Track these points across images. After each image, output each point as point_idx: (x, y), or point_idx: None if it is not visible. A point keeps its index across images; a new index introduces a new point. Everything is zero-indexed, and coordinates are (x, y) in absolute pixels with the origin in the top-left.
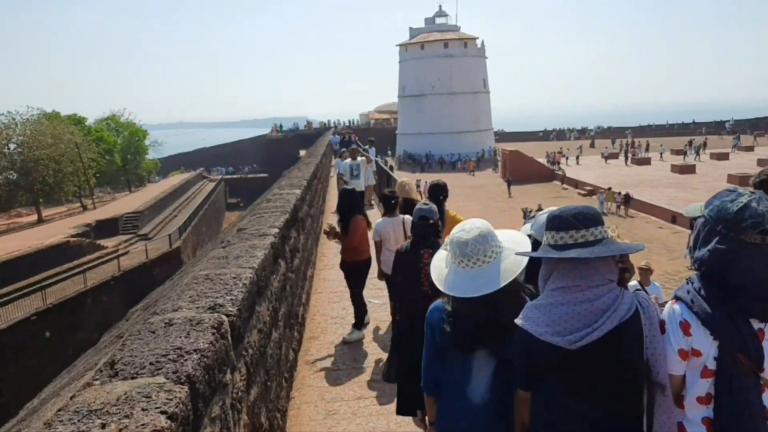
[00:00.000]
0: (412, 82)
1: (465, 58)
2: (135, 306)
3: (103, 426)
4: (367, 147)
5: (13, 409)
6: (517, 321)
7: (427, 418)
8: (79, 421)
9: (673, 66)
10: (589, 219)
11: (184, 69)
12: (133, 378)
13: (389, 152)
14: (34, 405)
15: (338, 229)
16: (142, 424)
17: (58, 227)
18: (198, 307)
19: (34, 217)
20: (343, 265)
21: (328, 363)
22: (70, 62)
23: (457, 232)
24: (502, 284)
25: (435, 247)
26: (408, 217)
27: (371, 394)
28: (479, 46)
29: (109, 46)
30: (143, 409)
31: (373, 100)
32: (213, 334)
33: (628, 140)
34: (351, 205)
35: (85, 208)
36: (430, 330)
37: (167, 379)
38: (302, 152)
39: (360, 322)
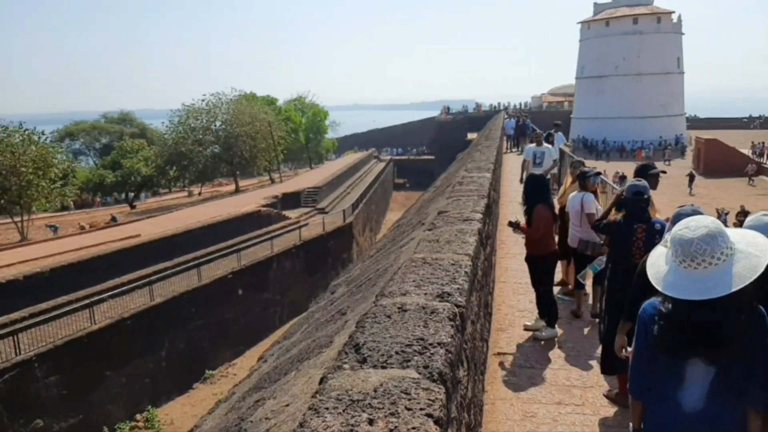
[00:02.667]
0: (592, 62)
1: (657, 35)
2: (336, 279)
3: (371, 422)
4: (551, 132)
5: (211, 354)
6: None
7: (630, 425)
8: (344, 410)
9: None
10: None
11: (360, 52)
12: (383, 367)
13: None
14: (263, 370)
15: (523, 221)
16: (413, 428)
17: (251, 197)
18: (426, 294)
19: (232, 187)
20: (528, 259)
21: (520, 358)
22: (264, 46)
23: (681, 229)
24: (733, 289)
25: (648, 222)
26: (588, 195)
27: (572, 400)
28: (675, 20)
29: (297, 30)
30: (407, 408)
31: (545, 83)
32: (451, 326)
33: None
34: (534, 192)
35: (273, 181)
36: (643, 328)
37: (419, 374)
38: (470, 135)
39: (553, 320)
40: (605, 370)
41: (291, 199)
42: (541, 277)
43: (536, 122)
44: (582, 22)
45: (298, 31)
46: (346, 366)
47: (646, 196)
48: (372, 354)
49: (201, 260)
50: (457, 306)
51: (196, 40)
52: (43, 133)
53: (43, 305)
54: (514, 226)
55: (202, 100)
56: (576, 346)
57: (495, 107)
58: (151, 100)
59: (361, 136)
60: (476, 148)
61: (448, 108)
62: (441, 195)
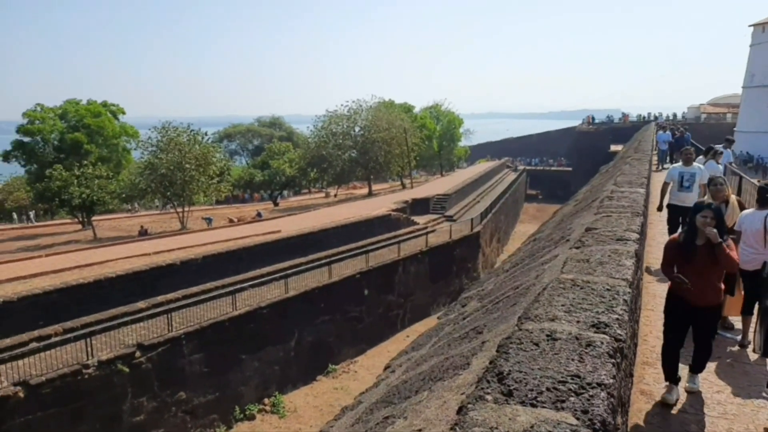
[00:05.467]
0: (765, 69)
1: None
2: (466, 291)
3: None
4: (719, 148)
5: (335, 349)
6: None
7: None
8: None
9: None
10: None
11: (498, 60)
12: (532, 405)
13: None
14: (391, 381)
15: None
16: None
17: (383, 201)
18: (578, 322)
19: (366, 191)
20: (682, 308)
21: (670, 399)
22: (406, 55)
23: None
24: None
25: None
26: None
27: None
28: None
29: (437, 39)
30: None
31: (703, 93)
32: (612, 364)
33: None
34: (722, 224)
35: (404, 186)
36: None
37: (577, 420)
38: (614, 147)
39: (699, 367)
40: None
41: (420, 205)
42: (713, 327)
43: (693, 136)
44: (755, 25)
45: (438, 40)
46: (488, 397)
47: None
48: (518, 387)
49: (332, 258)
50: (617, 340)
51: (344, 49)
52: (206, 134)
53: (194, 288)
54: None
55: (344, 106)
56: (740, 391)
57: (644, 118)
58: (299, 106)
59: (495, 145)
60: (624, 161)
61: (593, 117)
62: (586, 210)
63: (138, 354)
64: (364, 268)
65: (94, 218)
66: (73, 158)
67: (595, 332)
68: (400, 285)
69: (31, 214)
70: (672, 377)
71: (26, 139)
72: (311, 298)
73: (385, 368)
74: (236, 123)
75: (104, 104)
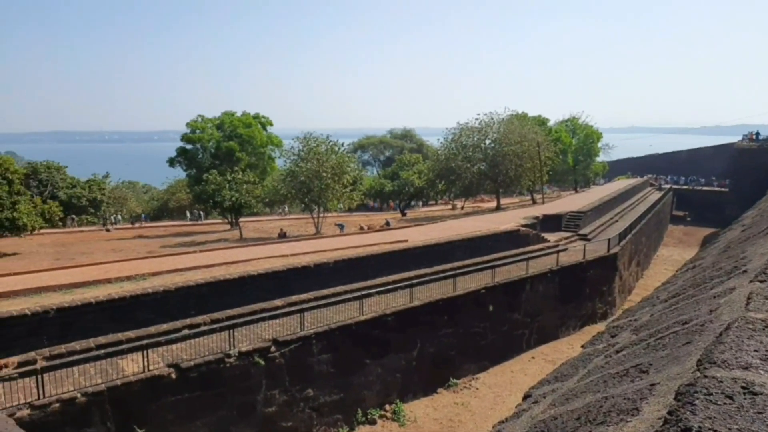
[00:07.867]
0: None
1: None
2: (615, 321)
3: None
4: None
5: (456, 363)
6: None
7: None
8: None
9: None
10: None
11: (642, 72)
12: None
13: None
14: (536, 415)
15: None
16: None
17: (511, 216)
18: None
19: (493, 204)
20: None
21: None
22: (541, 67)
23: None
24: None
25: None
26: None
27: None
28: None
29: (575, 51)
30: None
31: None
32: None
33: None
34: None
35: (534, 201)
36: None
37: None
38: None
39: None
40: None
41: (551, 222)
42: None
43: None
44: None
45: (577, 52)
46: None
47: None
48: None
49: (457, 271)
50: None
51: (477, 62)
52: (342, 145)
53: (325, 291)
54: None
55: (476, 119)
56: None
57: None
58: (429, 119)
59: (636, 161)
60: None
61: (757, 133)
62: (762, 237)
63: (273, 349)
64: (489, 284)
65: (241, 219)
66: (226, 164)
67: None
68: (527, 304)
69: (202, 213)
70: None
71: (188, 146)
72: (435, 309)
73: (525, 397)
74: (370, 134)
75: (255, 116)
